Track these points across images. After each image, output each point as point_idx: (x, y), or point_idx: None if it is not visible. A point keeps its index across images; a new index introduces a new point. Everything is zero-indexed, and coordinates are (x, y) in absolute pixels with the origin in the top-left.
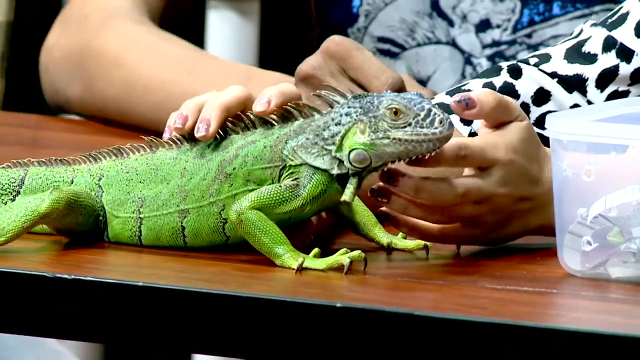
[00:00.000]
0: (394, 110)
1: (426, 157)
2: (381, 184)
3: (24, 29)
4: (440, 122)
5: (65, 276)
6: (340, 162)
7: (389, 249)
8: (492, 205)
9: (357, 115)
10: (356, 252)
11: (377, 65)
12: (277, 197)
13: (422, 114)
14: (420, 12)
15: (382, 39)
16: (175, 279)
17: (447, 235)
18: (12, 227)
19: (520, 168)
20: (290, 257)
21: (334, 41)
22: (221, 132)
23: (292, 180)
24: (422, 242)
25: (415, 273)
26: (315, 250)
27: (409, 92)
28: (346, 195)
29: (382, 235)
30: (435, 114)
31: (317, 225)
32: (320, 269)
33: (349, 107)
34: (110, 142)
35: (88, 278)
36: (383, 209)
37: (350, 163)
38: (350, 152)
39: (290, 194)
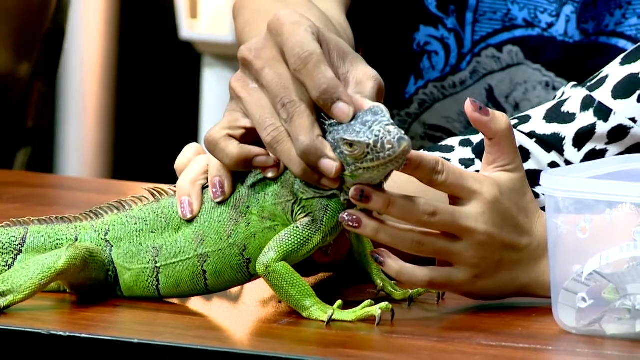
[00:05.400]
0: (349, 143)
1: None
2: (349, 212)
3: None
4: (390, 144)
5: (60, 333)
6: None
7: (378, 292)
8: (473, 243)
9: None
10: (384, 304)
11: (298, 47)
12: (299, 239)
13: (372, 142)
14: None
15: (434, 127)
16: (172, 336)
17: (434, 282)
18: (29, 284)
19: (505, 212)
20: (317, 310)
21: (275, 15)
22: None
23: (306, 217)
24: (409, 292)
25: (410, 329)
26: (339, 302)
27: (367, 111)
28: None
29: (377, 275)
30: (383, 136)
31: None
32: (349, 320)
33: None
34: (106, 198)
35: (83, 335)
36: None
37: (349, 189)
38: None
39: (310, 231)
